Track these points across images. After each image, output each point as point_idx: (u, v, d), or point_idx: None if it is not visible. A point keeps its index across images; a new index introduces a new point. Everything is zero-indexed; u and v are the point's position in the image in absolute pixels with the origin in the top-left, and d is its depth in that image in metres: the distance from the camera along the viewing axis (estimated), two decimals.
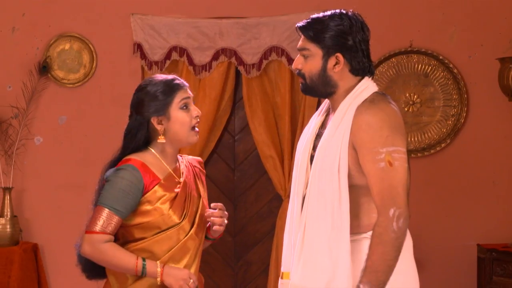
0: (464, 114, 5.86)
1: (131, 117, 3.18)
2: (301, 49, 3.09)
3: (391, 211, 2.80)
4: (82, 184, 5.85)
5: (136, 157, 3.10)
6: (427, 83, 5.91)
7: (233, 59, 5.95)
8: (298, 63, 3.10)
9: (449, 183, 5.92)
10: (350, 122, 2.92)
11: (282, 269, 3.21)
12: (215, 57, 5.95)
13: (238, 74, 6.06)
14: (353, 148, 2.91)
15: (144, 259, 3.02)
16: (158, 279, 3.02)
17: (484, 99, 5.88)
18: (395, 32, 5.91)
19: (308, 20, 3.07)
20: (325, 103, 3.22)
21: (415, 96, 5.91)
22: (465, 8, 5.88)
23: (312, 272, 2.93)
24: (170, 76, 3.20)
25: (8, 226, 5.73)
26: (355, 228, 2.92)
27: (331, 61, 3.02)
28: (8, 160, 5.90)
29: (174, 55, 5.96)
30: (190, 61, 5.95)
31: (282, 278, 3.18)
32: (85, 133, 6.03)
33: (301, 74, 3.09)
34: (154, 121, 3.12)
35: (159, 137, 3.12)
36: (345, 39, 3.00)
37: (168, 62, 5.95)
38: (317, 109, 3.33)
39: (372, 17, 5.62)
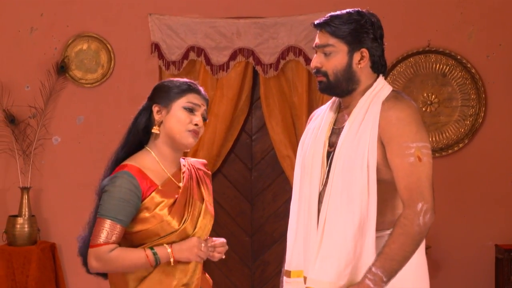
0: (482, 114, 5.84)
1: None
2: (323, 46, 3.03)
3: (419, 205, 2.82)
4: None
5: (134, 163, 3.05)
6: (445, 82, 5.89)
7: (251, 59, 5.95)
8: (318, 61, 3.04)
9: (467, 183, 5.90)
10: (377, 117, 2.91)
11: (288, 267, 3.19)
12: (233, 57, 5.96)
13: (255, 74, 6.06)
14: (381, 143, 2.91)
15: (152, 248, 2.99)
16: (172, 260, 2.99)
17: (502, 99, 5.86)
18: (413, 32, 5.90)
19: (328, 17, 3.04)
20: (333, 101, 3.19)
21: (433, 96, 5.89)
22: (483, 8, 5.86)
23: (333, 266, 2.92)
24: (192, 81, 3.16)
25: (26, 226, 5.75)
26: (379, 225, 2.91)
27: (356, 57, 3.01)
28: (26, 159, 5.93)
29: (192, 55, 5.97)
30: (208, 61, 5.96)
31: (289, 277, 3.16)
32: (103, 133, 6.05)
33: (321, 72, 3.03)
34: (154, 108, 3.10)
35: (154, 127, 3.09)
36: (368, 34, 3.00)
37: (185, 62, 5.97)
38: None
39: (390, 16, 5.62)
